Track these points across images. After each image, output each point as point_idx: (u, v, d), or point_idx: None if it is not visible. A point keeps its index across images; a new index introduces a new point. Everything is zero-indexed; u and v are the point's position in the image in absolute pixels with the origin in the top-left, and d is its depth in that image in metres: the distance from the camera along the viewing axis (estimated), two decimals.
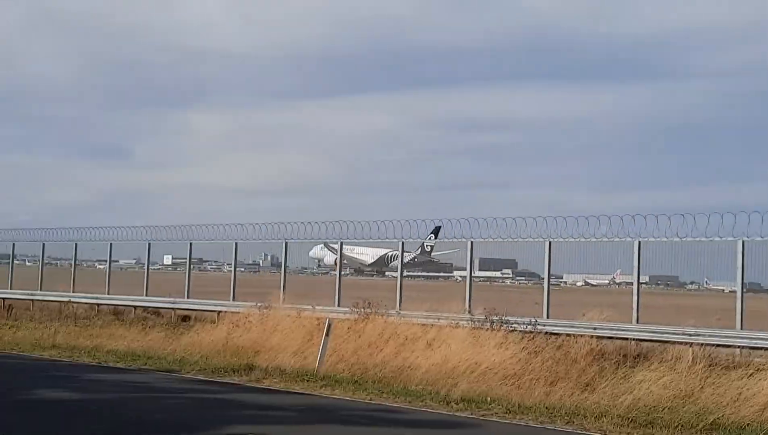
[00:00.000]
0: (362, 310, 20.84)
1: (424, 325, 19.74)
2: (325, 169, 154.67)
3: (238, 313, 23.72)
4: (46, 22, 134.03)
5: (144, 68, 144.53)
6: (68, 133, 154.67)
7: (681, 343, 18.37)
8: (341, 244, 27.27)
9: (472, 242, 22.33)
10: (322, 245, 35.87)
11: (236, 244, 28.79)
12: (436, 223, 22.94)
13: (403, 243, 23.70)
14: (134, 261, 40.14)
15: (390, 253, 35.70)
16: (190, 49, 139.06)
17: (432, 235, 28.89)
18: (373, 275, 47.42)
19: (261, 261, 36.95)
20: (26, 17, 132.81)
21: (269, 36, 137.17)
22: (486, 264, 26.44)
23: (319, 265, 42.24)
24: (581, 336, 18.90)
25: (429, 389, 16.02)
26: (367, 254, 49.19)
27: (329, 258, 40.75)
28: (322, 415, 13.51)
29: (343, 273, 26.86)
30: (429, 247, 34.76)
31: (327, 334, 18.27)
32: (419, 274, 29.46)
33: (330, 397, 15.58)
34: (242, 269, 30.24)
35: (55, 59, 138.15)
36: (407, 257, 30.94)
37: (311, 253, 39.00)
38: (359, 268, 48.25)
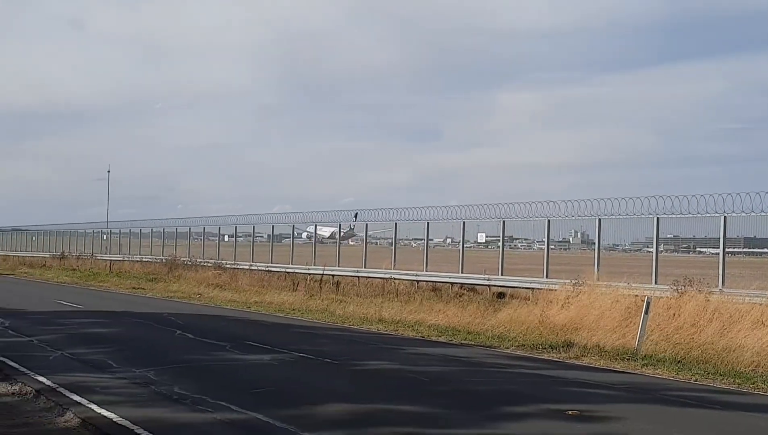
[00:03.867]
0: (683, 287, 20.21)
1: (750, 303, 18.78)
2: (645, 143, 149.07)
3: (552, 290, 23.91)
4: (366, 12, 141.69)
5: (453, 51, 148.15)
6: (386, 117, 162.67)
7: None
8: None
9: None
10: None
11: (548, 221, 28.91)
12: (752, 195, 21.49)
13: (725, 217, 22.52)
14: (444, 239, 41.64)
15: (334, 230, 41.19)
16: (499, 29, 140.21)
17: (353, 217, 39.45)
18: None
19: (571, 238, 36.68)
20: (351, 9, 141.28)
21: (583, 9, 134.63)
22: None
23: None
24: None
25: (760, 371, 15.27)
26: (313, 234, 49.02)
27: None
28: (645, 394, 13.29)
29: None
30: (353, 226, 41.26)
31: (646, 312, 17.93)
32: (740, 250, 27.73)
33: (652, 377, 15.32)
34: (552, 247, 30.22)
35: (374, 47, 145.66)
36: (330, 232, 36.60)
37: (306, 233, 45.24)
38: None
